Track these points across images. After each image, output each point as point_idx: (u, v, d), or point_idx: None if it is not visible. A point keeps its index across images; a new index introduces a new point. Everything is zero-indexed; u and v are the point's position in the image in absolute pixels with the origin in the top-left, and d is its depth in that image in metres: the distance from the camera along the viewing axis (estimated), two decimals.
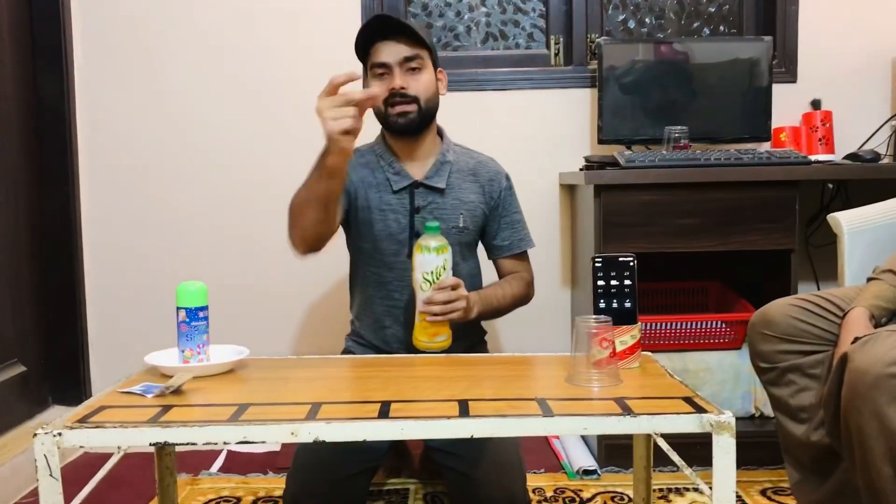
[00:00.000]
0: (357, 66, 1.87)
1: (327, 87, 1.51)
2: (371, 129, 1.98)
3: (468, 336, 1.93)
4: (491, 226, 1.97)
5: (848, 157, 2.37)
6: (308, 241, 1.77)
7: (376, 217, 1.88)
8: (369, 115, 1.89)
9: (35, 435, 1.12)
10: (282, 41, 2.61)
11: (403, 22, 1.79)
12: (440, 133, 1.96)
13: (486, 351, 2.05)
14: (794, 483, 1.64)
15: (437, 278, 1.66)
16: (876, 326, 1.52)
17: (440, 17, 2.72)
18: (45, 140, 2.54)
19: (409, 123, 1.82)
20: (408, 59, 1.79)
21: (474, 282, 1.97)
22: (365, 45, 1.84)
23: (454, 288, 1.69)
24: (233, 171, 2.64)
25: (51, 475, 1.11)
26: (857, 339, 1.39)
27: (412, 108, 1.80)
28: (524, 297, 1.98)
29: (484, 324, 2.04)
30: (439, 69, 1.90)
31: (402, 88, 1.79)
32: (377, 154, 1.92)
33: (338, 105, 1.50)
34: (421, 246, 1.67)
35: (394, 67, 1.79)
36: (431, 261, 1.65)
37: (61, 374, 2.61)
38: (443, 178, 1.89)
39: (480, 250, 2.05)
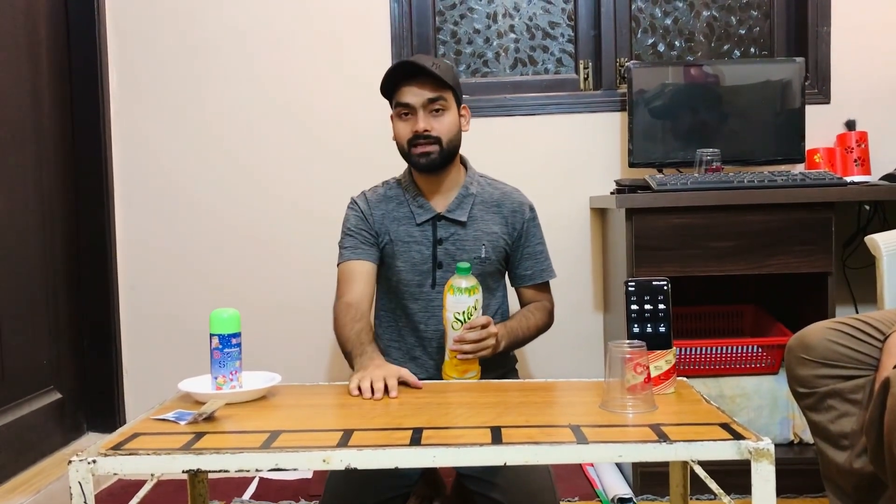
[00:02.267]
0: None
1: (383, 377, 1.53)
2: (396, 163, 2.02)
3: (500, 366, 1.94)
4: (514, 256, 1.99)
5: (885, 177, 2.33)
6: None
7: (400, 249, 1.92)
8: (393, 150, 1.94)
9: (70, 462, 1.13)
10: (317, 67, 2.63)
11: (428, 69, 1.82)
12: (464, 164, 1.99)
13: (517, 379, 2.04)
14: None
15: (468, 318, 1.69)
16: None
17: (469, 44, 2.74)
18: (80, 168, 2.59)
19: (431, 163, 1.86)
20: (431, 101, 1.84)
21: (500, 311, 2.00)
22: (390, 85, 1.88)
23: (484, 326, 1.71)
24: (268, 195, 2.66)
25: (85, 502, 1.12)
26: None
27: (434, 148, 1.85)
28: (545, 327, 2.01)
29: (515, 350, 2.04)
30: (463, 105, 1.94)
31: (426, 131, 1.83)
32: (403, 187, 1.97)
33: (364, 383, 1.52)
34: (452, 287, 1.70)
35: (418, 109, 1.84)
36: (463, 301, 1.69)
37: (96, 401, 2.63)
38: (464, 211, 1.92)
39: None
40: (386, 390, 1.50)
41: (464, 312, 1.69)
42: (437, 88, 1.84)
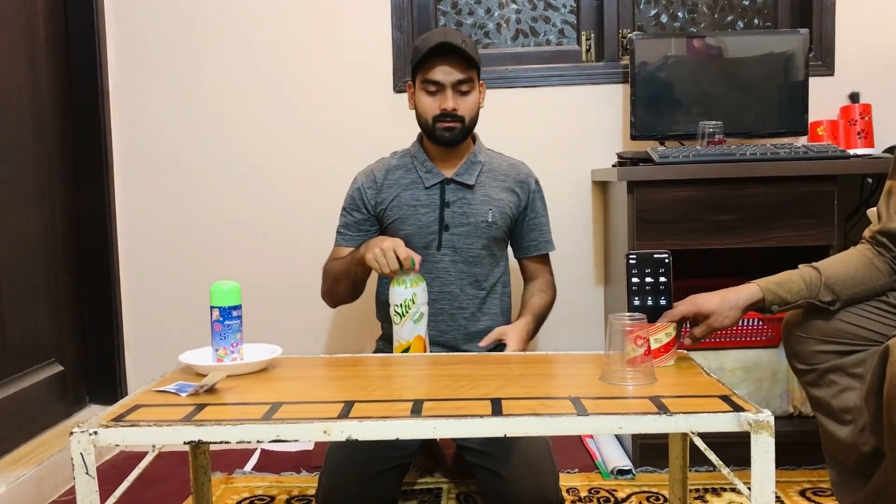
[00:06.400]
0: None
1: (392, 246, 1.73)
2: (408, 133, 2.02)
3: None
4: (520, 226, 2.05)
5: (888, 150, 2.32)
6: (337, 303, 2.04)
7: (408, 213, 1.97)
8: (409, 120, 1.96)
9: (71, 433, 1.13)
10: (315, 39, 2.61)
11: (465, 50, 1.86)
12: (473, 137, 2.03)
13: None
14: (835, 483, 1.61)
15: (406, 311, 1.72)
16: (764, 312, 1.49)
17: (470, 15, 2.71)
18: (80, 141, 2.58)
19: (454, 138, 1.93)
20: (460, 83, 1.90)
21: (501, 281, 2.04)
22: (421, 59, 1.90)
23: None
24: (267, 169, 2.65)
25: (87, 473, 1.13)
26: None
27: (458, 125, 1.91)
28: (552, 302, 2.08)
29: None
30: (480, 82, 1.98)
31: (454, 110, 1.90)
32: (412, 155, 2.02)
33: (385, 253, 1.73)
34: (395, 278, 1.74)
35: (447, 88, 1.89)
36: (399, 293, 1.73)
37: (98, 373, 2.64)
38: (472, 176, 1.97)
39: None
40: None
41: (401, 305, 1.72)
42: (467, 69, 1.90)
